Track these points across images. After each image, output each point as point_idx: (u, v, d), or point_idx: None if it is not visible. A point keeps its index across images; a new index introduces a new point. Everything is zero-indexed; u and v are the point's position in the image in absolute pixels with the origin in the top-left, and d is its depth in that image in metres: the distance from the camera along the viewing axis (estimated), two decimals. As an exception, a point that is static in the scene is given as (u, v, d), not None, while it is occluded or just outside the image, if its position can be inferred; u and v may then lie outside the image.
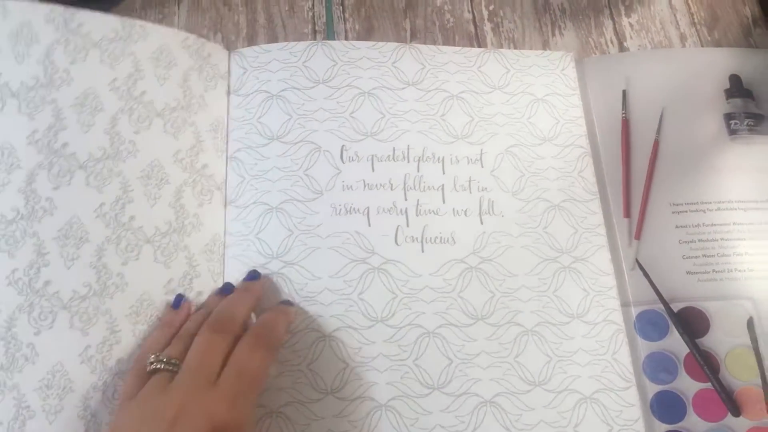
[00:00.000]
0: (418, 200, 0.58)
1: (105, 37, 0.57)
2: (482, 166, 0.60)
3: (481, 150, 0.60)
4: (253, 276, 0.54)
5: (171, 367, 0.46)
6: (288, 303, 0.54)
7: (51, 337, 0.49)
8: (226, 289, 0.54)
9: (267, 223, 0.56)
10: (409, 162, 0.59)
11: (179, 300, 0.52)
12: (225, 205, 0.57)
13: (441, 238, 0.57)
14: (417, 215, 0.58)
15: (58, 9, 0.56)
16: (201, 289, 0.54)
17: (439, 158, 0.60)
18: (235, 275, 0.55)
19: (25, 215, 0.50)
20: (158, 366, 0.46)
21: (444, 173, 0.59)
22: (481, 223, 0.58)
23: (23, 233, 0.50)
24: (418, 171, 0.59)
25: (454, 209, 0.58)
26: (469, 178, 0.59)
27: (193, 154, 0.56)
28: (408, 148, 0.60)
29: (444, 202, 0.58)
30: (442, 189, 0.59)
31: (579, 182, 0.60)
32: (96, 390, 0.48)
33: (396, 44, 0.63)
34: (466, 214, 0.58)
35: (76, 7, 0.57)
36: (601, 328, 0.55)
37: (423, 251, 0.57)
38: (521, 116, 0.62)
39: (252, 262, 0.55)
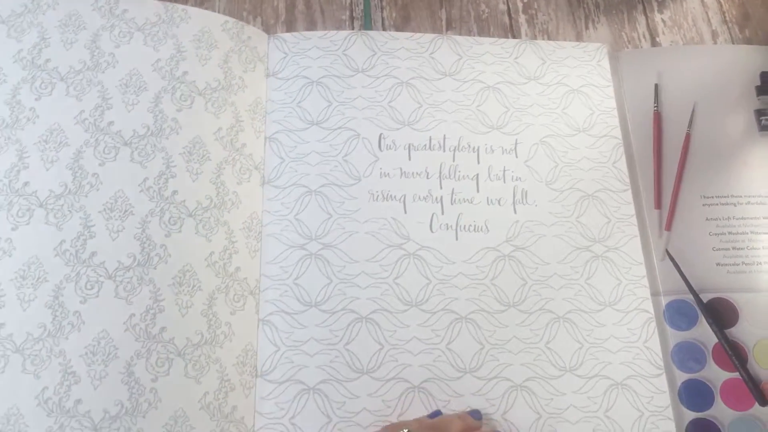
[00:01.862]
0: (453, 189, 0.61)
1: (148, 21, 0.61)
2: (516, 156, 0.63)
3: (516, 140, 0.63)
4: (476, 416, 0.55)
5: None
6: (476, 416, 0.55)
7: (97, 306, 0.52)
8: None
9: (306, 205, 0.60)
10: (444, 151, 0.62)
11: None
12: (262, 185, 0.59)
13: (475, 226, 0.60)
14: (452, 203, 0.61)
15: None
16: (239, 264, 0.57)
17: (474, 148, 0.63)
18: (273, 253, 0.58)
19: (73, 190, 0.54)
20: None
21: (479, 163, 0.62)
22: (515, 212, 0.61)
23: (71, 207, 0.54)
24: (453, 160, 0.62)
25: (488, 198, 0.61)
26: (504, 167, 0.62)
27: (233, 134, 0.59)
28: (444, 138, 0.63)
29: (478, 191, 0.61)
30: (477, 178, 0.62)
31: (612, 173, 0.63)
32: (140, 357, 0.51)
33: (433, 35, 0.67)
34: (499, 203, 0.61)
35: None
36: (633, 317, 0.58)
37: (457, 239, 0.60)
38: (556, 107, 0.65)
39: (290, 241, 0.59)
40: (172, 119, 0.58)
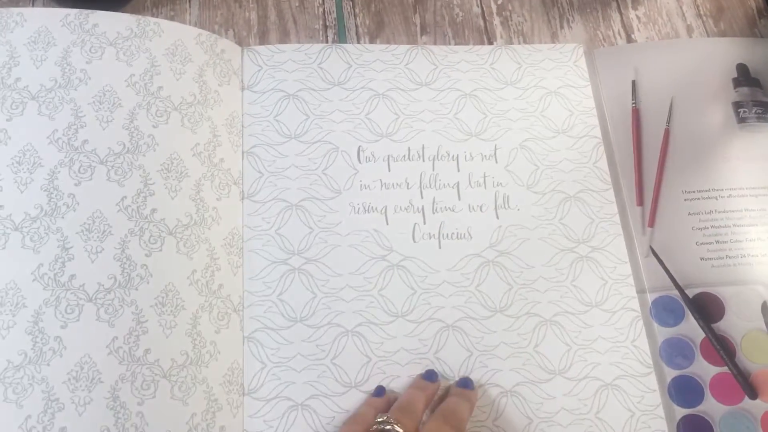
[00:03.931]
0: (434, 198, 0.61)
1: (120, 35, 0.60)
2: (496, 162, 0.63)
3: (495, 146, 0.64)
4: (431, 377, 0.56)
5: None
6: (466, 384, 0.56)
7: (78, 330, 0.51)
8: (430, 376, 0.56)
9: (287, 220, 0.59)
10: (424, 161, 0.63)
11: (381, 391, 0.55)
12: (242, 199, 0.59)
13: (457, 233, 0.60)
14: (433, 213, 0.61)
15: (74, 12, 0.60)
16: (222, 281, 0.56)
17: (453, 156, 0.63)
18: (256, 269, 0.58)
19: (49, 212, 0.53)
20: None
21: (459, 171, 0.63)
22: (497, 217, 0.61)
23: (47, 229, 0.53)
24: (433, 170, 0.62)
25: (469, 205, 0.61)
26: (484, 174, 0.63)
27: (211, 149, 0.59)
28: (423, 148, 0.63)
29: (459, 198, 0.62)
30: (458, 186, 0.62)
31: (594, 173, 0.63)
32: (124, 380, 0.50)
33: (408, 46, 0.67)
34: (481, 210, 0.61)
35: (87, 5, 0.61)
36: (620, 316, 0.58)
37: (440, 247, 0.60)
38: (534, 110, 0.65)
39: (273, 256, 0.58)
40: (149, 136, 0.57)
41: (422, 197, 0.61)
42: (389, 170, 0.62)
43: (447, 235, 0.60)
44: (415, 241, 0.60)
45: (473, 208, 0.61)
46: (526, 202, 0.62)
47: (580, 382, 0.56)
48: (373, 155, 0.62)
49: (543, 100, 0.65)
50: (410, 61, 0.66)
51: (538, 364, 0.57)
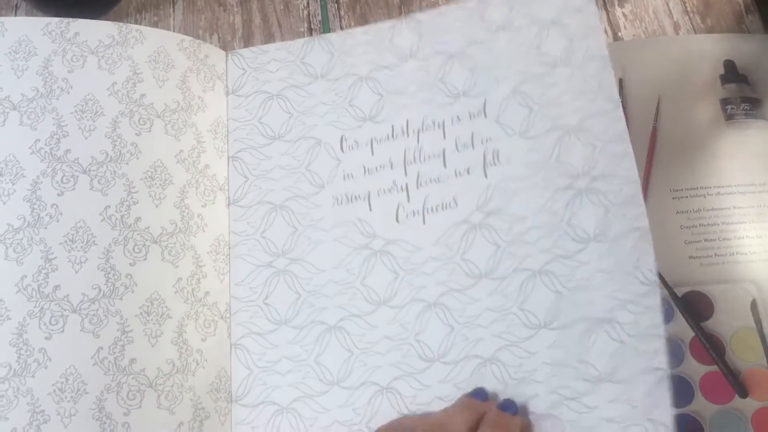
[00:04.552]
0: (418, 172, 0.58)
1: (102, 44, 0.60)
2: (486, 117, 0.59)
3: (485, 100, 0.59)
4: (481, 396, 0.52)
5: None
6: (507, 408, 0.51)
7: (63, 341, 0.51)
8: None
9: (272, 222, 0.59)
10: (408, 136, 0.60)
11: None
12: (228, 205, 0.58)
13: (443, 204, 0.57)
14: (417, 188, 0.58)
15: (54, 21, 0.60)
16: (208, 289, 0.56)
17: (439, 123, 0.59)
18: (242, 274, 0.57)
19: (32, 222, 0.53)
20: None
21: (445, 137, 0.59)
22: (486, 176, 0.57)
23: (30, 240, 0.53)
24: (417, 142, 0.59)
25: (455, 170, 0.58)
26: (472, 133, 0.59)
27: (195, 155, 0.58)
28: (407, 123, 0.60)
29: (445, 166, 0.58)
30: (443, 153, 0.59)
31: (600, 93, 0.56)
32: (110, 391, 0.50)
33: (392, 21, 0.63)
34: (468, 173, 0.58)
35: (70, 12, 0.60)
36: (624, 241, 0.53)
37: (424, 223, 0.57)
38: (529, 47, 0.59)
39: (258, 260, 0.58)
40: (132, 144, 0.57)
41: (406, 174, 0.59)
42: (372, 154, 0.60)
43: (432, 208, 0.57)
44: (398, 222, 0.57)
45: (459, 173, 0.58)
46: (518, 150, 0.57)
47: (564, 331, 0.52)
48: (356, 142, 0.60)
49: (539, 34, 0.59)
50: (394, 36, 0.62)
51: (522, 321, 0.53)
